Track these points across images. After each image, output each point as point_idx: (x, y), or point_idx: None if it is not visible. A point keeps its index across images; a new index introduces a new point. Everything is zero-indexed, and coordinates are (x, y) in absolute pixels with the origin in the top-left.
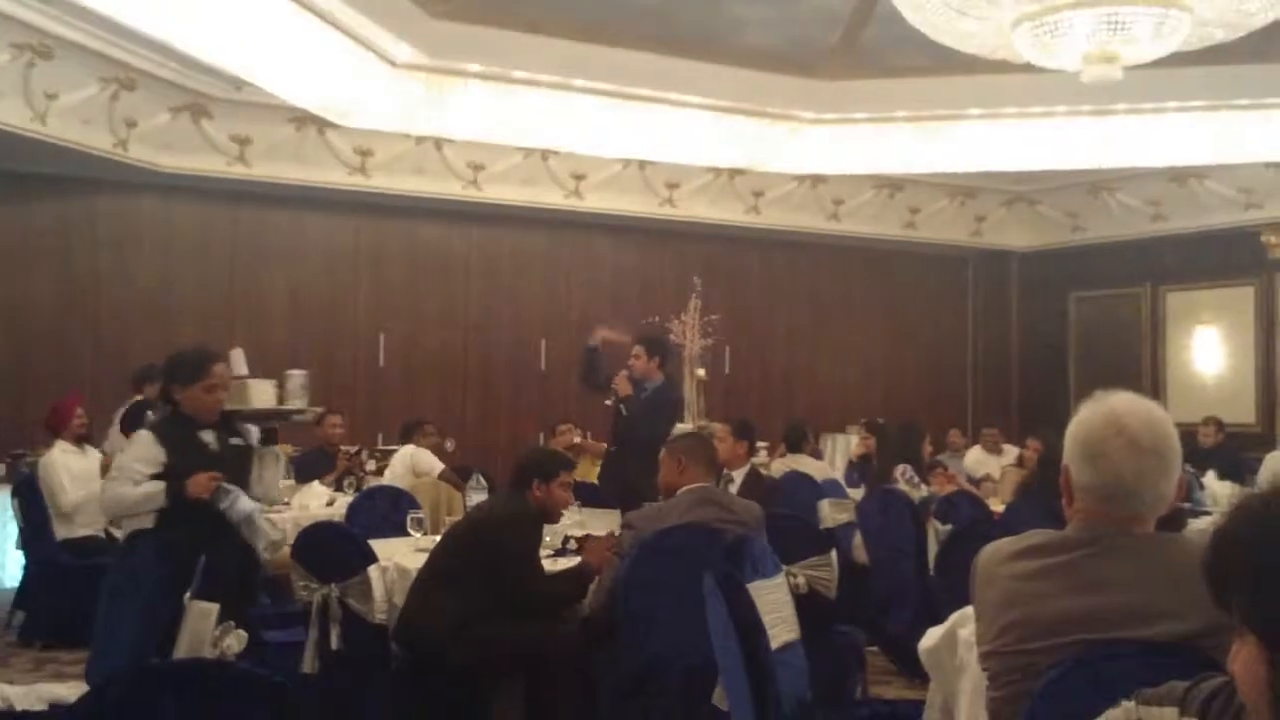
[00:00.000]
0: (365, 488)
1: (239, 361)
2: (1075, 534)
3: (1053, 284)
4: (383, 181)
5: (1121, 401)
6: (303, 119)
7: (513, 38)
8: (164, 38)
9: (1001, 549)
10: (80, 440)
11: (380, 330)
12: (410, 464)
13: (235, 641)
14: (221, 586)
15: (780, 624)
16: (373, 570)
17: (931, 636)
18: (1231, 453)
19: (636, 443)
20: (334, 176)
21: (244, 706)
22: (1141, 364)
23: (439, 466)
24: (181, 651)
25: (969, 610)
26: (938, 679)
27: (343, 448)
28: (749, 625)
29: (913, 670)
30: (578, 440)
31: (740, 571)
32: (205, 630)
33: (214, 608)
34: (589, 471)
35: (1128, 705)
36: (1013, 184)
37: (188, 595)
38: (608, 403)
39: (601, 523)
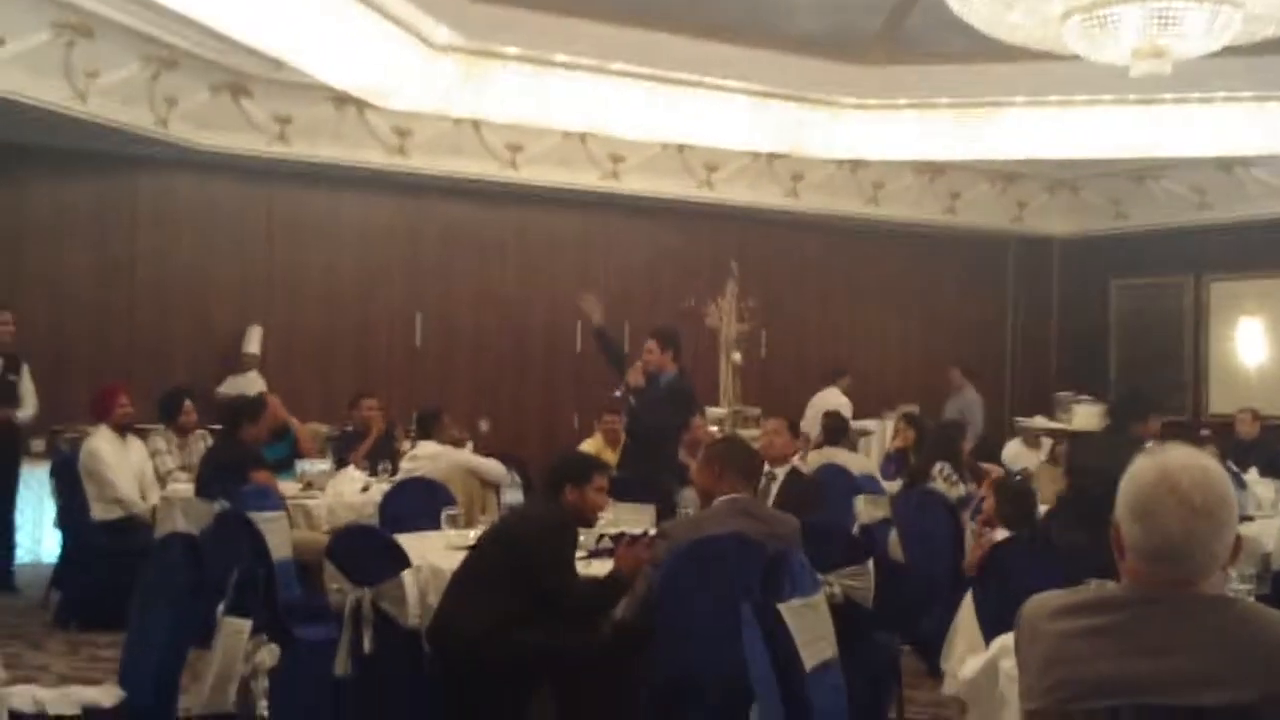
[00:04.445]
0: (400, 477)
1: (254, 338)
2: (1125, 593)
3: (1094, 271)
4: (421, 162)
5: (1175, 458)
6: (342, 98)
7: (550, 21)
8: (204, 19)
9: (1048, 603)
10: (123, 430)
11: (417, 311)
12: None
13: (268, 656)
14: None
15: (818, 642)
16: (407, 575)
17: (971, 667)
18: (1271, 446)
19: (647, 434)
20: (373, 156)
21: None
22: (1184, 354)
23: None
24: (215, 668)
25: (1009, 640)
26: (977, 711)
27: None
28: (787, 658)
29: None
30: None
31: (779, 589)
32: (238, 647)
33: (246, 624)
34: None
35: None
36: (1055, 170)
37: (221, 609)
38: (616, 394)
39: (634, 518)
